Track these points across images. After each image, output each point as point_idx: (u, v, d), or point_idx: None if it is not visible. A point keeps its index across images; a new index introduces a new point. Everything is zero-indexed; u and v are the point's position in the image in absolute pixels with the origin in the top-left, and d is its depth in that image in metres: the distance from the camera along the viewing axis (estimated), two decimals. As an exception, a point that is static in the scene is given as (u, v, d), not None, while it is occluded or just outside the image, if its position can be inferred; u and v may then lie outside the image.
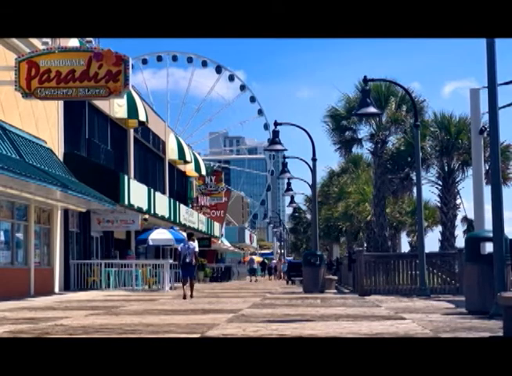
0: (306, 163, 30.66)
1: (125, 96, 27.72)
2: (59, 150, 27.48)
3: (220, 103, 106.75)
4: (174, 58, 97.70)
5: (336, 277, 31.95)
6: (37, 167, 23.56)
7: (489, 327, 9.77)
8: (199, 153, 71.68)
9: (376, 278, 22.37)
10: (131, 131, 37.95)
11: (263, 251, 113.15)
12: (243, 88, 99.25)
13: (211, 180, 60.16)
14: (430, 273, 22.03)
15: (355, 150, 39.15)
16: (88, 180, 27.78)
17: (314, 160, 28.15)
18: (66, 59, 21.16)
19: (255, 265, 63.72)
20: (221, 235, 62.71)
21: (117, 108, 33.43)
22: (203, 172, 57.75)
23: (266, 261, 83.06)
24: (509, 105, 18.21)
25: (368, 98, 18.54)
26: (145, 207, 33.05)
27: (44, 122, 25.99)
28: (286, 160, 32.37)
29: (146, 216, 34.00)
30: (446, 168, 35.19)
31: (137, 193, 31.58)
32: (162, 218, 37.18)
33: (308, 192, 55.70)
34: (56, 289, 26.61)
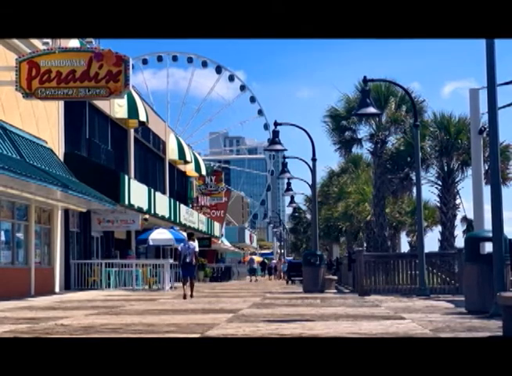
0: (306, 163, 30.70)
1: (125, 96, 27.71)
2: (59, 150, 27.50)
3: (220, 103, 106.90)
4: (175, 58, 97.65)
5: (336, 277, 31.94)
6: (38, 167, 23.57)
7: (489, 327, 9.79)
8: (199, 153, 71.67)
9: (376, 278, 22.38)
10: (132, 131, 37.96)
11: (263, 251, 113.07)
12: (243, 88, 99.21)
13: (211, 180, 60.15)
14: (430, 273, 22.05)
15: (355, 150, 39.25)
16: (88, 180, 27.80)
17: (314, 160, 28.16)
18: (66, 59, 21.20)
19: (255, 265, 63.71)
20: (221, 235, 62.70)
21: (117, 108, 33.44)
22: (204, 172, 57.75)
23: (266, 261, 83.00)
24: (508, 105, 18.24)
25: (368, 98, 18.57)
26: (145, 207, 33.06)
27: (44, 122, 26.00)
28: (286, 160, 32.41)
29: (147, 216, 34.01)
30: (446, 168, 35.19)
31: (137, 193, 31.59)
32: (162, 218, 37.19)
33: (308, 192, 55.76)
34: (57, 289, 26.62)
